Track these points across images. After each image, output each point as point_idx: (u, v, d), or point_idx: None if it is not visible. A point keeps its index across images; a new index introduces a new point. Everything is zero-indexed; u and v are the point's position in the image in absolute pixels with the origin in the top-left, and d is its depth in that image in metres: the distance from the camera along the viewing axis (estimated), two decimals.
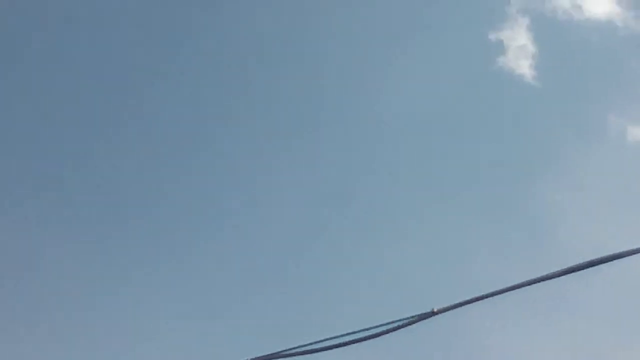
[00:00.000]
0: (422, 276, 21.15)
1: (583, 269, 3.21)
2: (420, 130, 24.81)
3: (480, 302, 3.20)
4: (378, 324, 3.56)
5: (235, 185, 23.80)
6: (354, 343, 3.82)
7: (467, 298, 3.20)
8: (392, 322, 3.45)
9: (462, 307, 3.20)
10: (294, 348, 4.02)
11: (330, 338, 3.93)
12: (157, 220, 22.47)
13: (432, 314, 3.28)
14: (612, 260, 3.23)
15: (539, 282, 3.19)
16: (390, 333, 3.41)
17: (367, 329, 3.56)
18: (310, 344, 3.87)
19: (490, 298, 3.27)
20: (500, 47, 26.73)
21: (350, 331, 3.82)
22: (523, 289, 3.25)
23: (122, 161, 22.50)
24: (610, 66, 23.79)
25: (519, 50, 24.08)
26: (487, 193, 23.84)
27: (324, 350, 3.79)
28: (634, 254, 3.17)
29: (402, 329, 3.39)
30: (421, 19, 24.65)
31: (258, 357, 4.25)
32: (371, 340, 3.56)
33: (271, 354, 4.21)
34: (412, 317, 3.39)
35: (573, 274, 3.22)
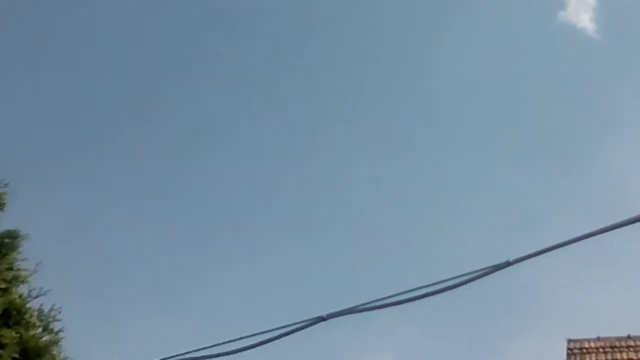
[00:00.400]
0: (498, 231, 21.20)
1: None
2: (484, 91, 24.59)
3: (552, 252, 3.39)
4: (453, 276, 3.77)
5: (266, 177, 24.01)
6: (428, 296, 4.04)
7: (540, 248, 3.39)
8: (468, 273, 3.67)
9: (536, 257, 3.39)
10: (368, 303, 4.26)
11: (403, 292, 4.15)
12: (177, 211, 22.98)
13: (507, 264, 3.48)
14: None
15: (605, 232, 3.36)
16: (469, 283, 3.62)
17: (445, 281, 3.78)
18: (383, 298, 4.11)
19: (562, 248, 3.45)
20: (560, 2, 26.08)
21: (423, 284, 4.03)
22: (591, 239, 3.42)
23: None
24: None
25: (579, 3, 23.49)
26: (553, 152, 23.55)
27: (396, 304, 4.02)
28: None
29: (478, 280, 3.60)
30: None
31: (336, 312, 4.51)
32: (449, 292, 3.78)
33: (350, 308, 4.45)
34: (487, 268, 3.60)
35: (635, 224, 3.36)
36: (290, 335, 4.39)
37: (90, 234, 20.97)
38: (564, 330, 14.23)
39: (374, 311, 4.30)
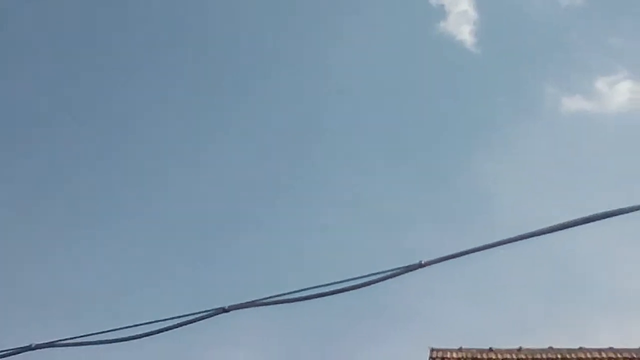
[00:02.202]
0: (362, 243, 21.65)
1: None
2: (357, 98, 25.05)
3: (465, 256, 3.52)
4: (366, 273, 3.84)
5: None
6: (334, 294, 4.09)
7: (454, 252, 3.52)
8: (380, 272, 3.75)
9: (449, 260, 3.52)
10: (278, 295, 4.26)
11: (310, 287, 4.18)
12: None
13: (420, 265, 3.59)
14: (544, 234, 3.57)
15: (528, 237, 3.51)
16: (379, 282, 3.71)
17: (355, 279, 3.84)
18: (297, 291, 4.12)
19: (473, 253, 3.59)
20: (441, 12, 26.99)
21: (338, 280, 4.08)
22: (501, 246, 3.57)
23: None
24: (550, 35, 24.40)
25: (460, 15, 24.42)
26: (423, 162, 24.33)
27: (310, 298, 4.05)
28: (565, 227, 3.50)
29: (391, 279, 3.69)
30: None
31: (238, 304, 4.48)
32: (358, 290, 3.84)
33: (252, 301, 4.44)
34: (399, 268, 3.69)
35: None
36: (191, 325, 4.33)
37: None
38: (427, 339, 14.73)
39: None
